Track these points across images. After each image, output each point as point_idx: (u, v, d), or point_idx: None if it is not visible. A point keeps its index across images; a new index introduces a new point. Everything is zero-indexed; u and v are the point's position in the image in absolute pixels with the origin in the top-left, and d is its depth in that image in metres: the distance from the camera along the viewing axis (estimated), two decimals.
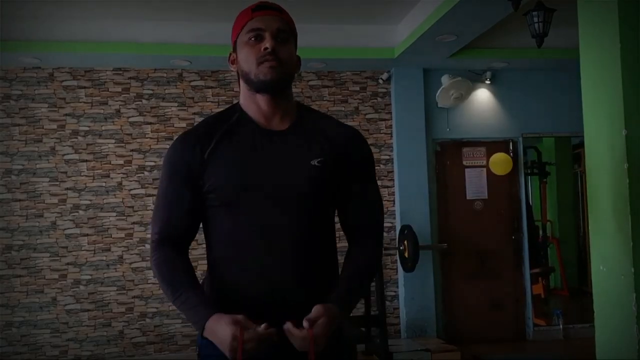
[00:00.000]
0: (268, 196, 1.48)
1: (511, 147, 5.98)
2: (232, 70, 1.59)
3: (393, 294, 5.73)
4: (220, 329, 1.36)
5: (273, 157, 1.50)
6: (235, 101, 1.75)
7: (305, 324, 1.35)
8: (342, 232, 1.64)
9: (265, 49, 1.47)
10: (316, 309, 1.38)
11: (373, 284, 5.23)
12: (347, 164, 1.55)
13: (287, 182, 1.48)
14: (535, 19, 4.00)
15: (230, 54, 1.59)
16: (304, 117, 1.57)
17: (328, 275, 1.56)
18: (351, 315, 5.36)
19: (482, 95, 5.96)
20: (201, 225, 1.58)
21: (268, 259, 1.47)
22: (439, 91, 5.65)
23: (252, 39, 1.49)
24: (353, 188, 1.57)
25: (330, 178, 1.52)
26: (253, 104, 1.54)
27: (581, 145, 7.20)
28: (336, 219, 1.63)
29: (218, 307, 1.43)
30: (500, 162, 5.85)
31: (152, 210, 5.69)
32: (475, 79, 5.87)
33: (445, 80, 5.67)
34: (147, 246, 5.39)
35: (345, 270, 1.56)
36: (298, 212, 1.49)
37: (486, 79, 5.89)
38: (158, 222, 1.54)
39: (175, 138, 1.62)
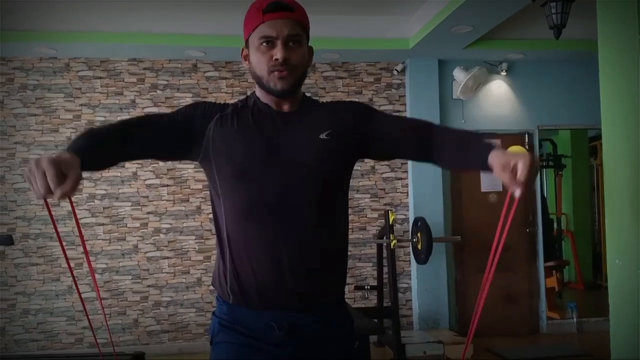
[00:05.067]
0: (277, 169, 1.50)
1: (527, 140, 5.93)
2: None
3: (406, 285, 5.73)
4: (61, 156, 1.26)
5: (283, 134, 1.53)
6: (249, 92, 1.79)
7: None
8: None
9: (276, 59, 1.49)
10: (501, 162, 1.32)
11: (385, 275, 5.23)
12: (361, 128, 1.58)
13: (296, 156, 1.51)
14: (553, 10, 3.96)
15: (243, 49, 1.61)
16: (308, 101, 1.65)
17: (336, 251, 1.58)
18: (364, 306, 5.31)
19: (498, 87, 5.91)
20: (210, 219, 1.58)
21: (277, 234, 1.48)
22: (460, 86, 5.59)
23: (264, 44, 1.51)
24: (387, 131, 1.60)
25: (340, 149, 1.55)
26: (266, 94, 1.59)
27: (597, 137, 7.16)
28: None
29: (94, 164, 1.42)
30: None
31: (166, 200, 5.64)
32: (491, 70, 5.81)
33: (457, 73, 5.61)
34: (162, 236, 5.44)
35: (455, 141, 1.54)
36: (309, 186, 1.51)
37: (502, 71, 5.84)
38: (139, 118, 1.60)
39: None
